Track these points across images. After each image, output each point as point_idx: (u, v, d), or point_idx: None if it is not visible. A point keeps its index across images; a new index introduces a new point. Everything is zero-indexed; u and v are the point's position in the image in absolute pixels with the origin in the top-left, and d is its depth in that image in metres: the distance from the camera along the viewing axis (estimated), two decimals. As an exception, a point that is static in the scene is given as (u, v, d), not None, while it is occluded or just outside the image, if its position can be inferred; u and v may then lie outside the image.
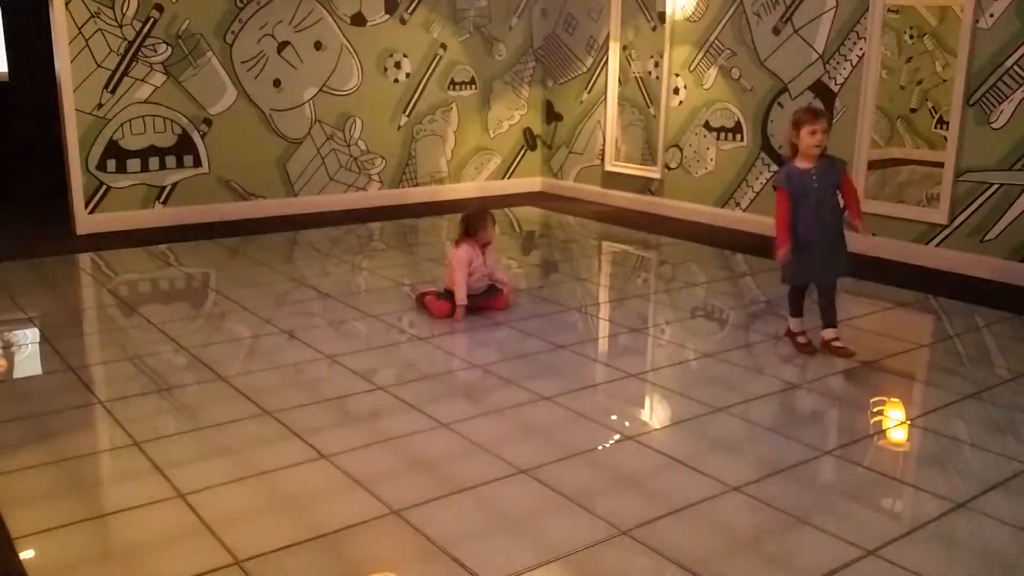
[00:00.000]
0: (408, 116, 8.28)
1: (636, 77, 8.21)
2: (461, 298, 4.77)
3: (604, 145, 8.51)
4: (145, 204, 7.13)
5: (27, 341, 4.41)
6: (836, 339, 4.31)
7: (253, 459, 3.15)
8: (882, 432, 3.53)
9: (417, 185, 8.47)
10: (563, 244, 7.02)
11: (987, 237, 5.83)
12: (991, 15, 5.67)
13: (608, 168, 8.49)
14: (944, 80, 6.43)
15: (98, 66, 6.75)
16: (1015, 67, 5.60)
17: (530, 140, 9.14)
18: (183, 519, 2.75)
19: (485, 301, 4.92)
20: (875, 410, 3.69)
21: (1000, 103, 5.69)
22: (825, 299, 4.32)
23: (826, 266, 4.28)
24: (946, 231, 6.04)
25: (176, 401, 3.67)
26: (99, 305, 5.12)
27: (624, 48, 8.25)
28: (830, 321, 4.32)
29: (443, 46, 8.34)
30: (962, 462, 3.23)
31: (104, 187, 6.94)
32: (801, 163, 4.18)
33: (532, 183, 9.22)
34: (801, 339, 4.36)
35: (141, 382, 3.87)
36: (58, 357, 4.14)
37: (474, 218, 4.89)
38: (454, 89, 8.51)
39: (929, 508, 2.89)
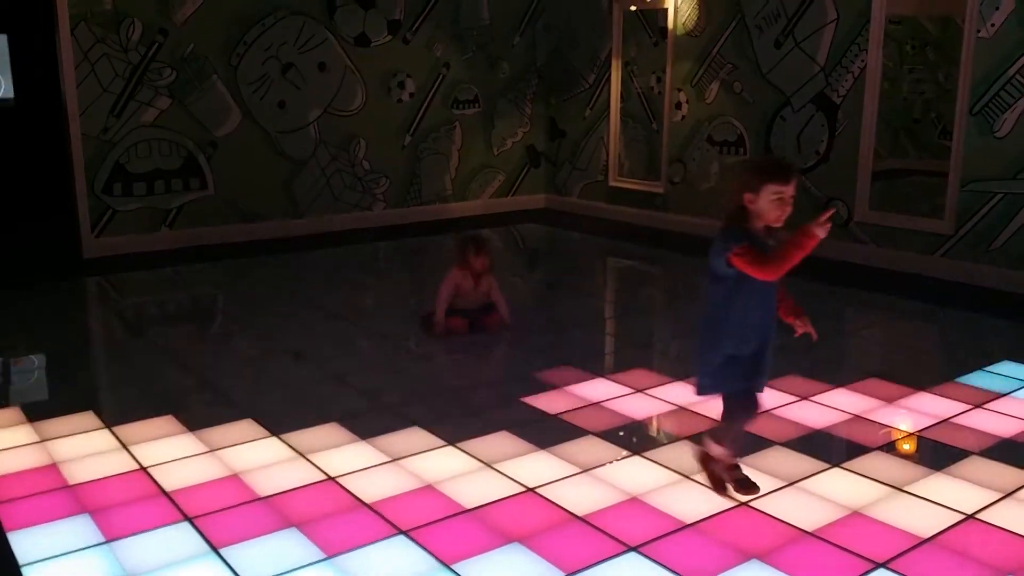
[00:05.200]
0: (412, 135, 8.31)
1: (638, 92, 8.23)
2: (439, 315, 4.85)
3: (607, 161, 8.52)
4: (152, 227, 7.16)
5: (35, 366, 4.42)
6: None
7: (261, 481, 3.15)
8: (891, 443, 3.52)
9: (422, 204, 8.49)
10: (568, 260, 7.03)
11: (992, 246, 5.82)
12: (992, 24, 5.68)
13: (612, 184, 8.51)
14: (947, 90, 6.43)
15: (104, 90, 6.80)
16: (1017, 76, 5.61)
17: (534, 157, 9.17)
18: (191, 542, 2.75)
19: (480, 319, 4.92)
20: (883, 421, 3.68)
21: (1003, 112, 5.69)
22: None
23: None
24: (951, 241, 6.03)
25: (183, 424, 3.67)
26: (106, 329, 5.13)
27: (626, 64, 8.28)
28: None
29: (446, 65, 8.38)
30: (971, 473, 3.22)
31: (111, 211, 6.98)
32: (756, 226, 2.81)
33: (536, 200, 9.23)
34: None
35: (148, 405, 3.88)
36: (65, 381, 4.15)
37: (460, 248, 4.92)
38: (458, 108, 8.55)
39: (941, 518, 2.87)
